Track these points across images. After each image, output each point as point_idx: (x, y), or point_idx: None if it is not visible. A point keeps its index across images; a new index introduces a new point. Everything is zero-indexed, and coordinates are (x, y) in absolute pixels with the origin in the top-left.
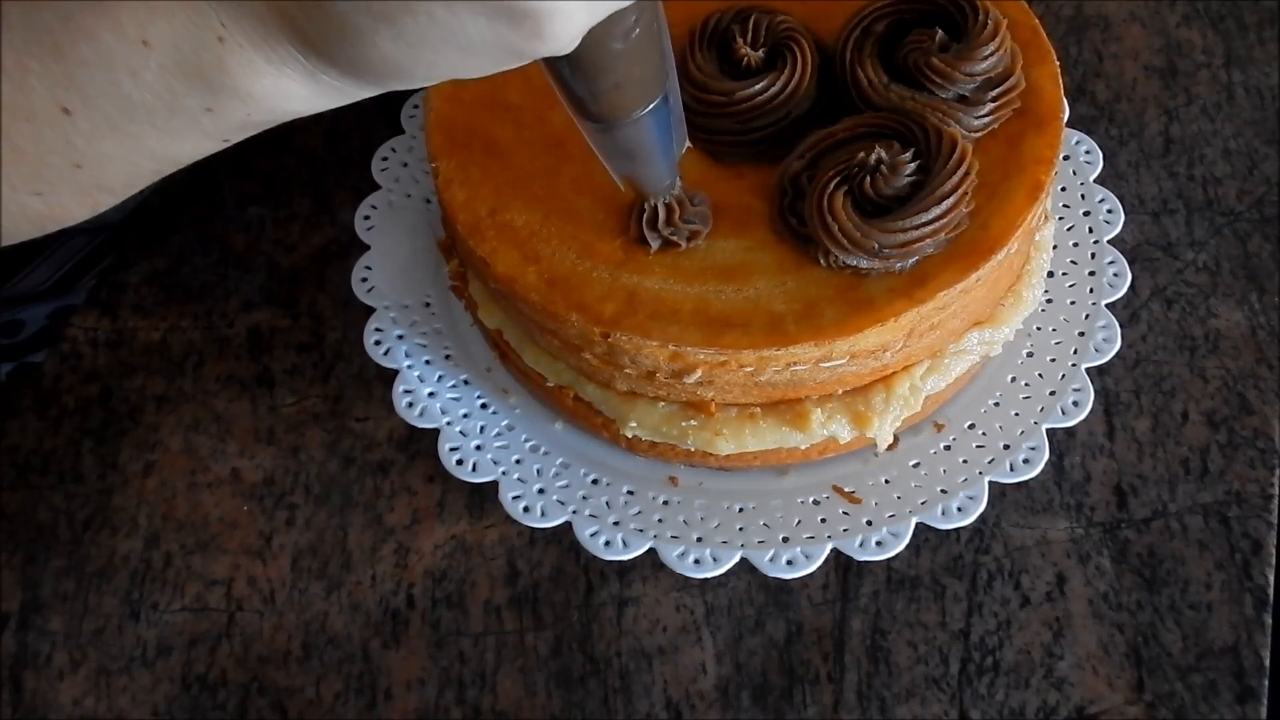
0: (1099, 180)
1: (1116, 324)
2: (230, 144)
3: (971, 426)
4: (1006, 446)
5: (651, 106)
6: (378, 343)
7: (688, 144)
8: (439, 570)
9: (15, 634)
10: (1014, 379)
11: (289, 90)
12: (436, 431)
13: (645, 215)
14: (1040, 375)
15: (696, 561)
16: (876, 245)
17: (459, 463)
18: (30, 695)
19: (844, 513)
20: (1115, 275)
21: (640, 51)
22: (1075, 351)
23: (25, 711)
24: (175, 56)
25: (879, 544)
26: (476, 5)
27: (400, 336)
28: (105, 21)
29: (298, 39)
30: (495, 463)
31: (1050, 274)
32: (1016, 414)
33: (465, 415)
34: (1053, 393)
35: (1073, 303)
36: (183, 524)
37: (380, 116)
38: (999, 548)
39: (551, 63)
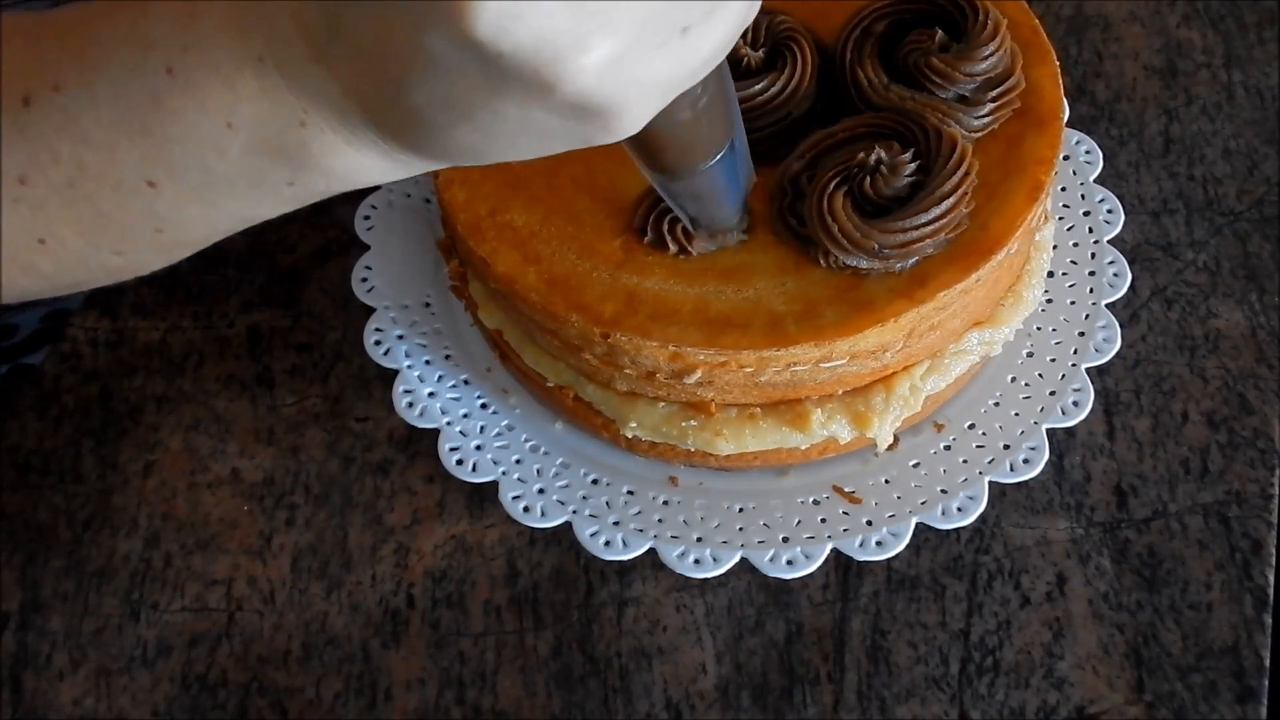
0: (1099, 180)
1: (1116, 324)
2: (305, 205)
3: (971, 426)
4: (1006, 446)
5: (719, 157)
6: (378, 343)
7: (754, 179)
8: (439, 570)
9: (15, 634)
10: (1014, 379)
11: (368, 165)
12: (436, 431)
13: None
14: (1040, 375)
15: (696, 561)
16: (876, 245)
17: (459, 463)
18: (30, 695)
19: (844, 513)
20: (1115, 275)
21: (708, 114)
22: (1075, 351)
23: (25, 711)
24: (259, 136)
25: (879, 544)
26: (550, 106)
27: (400, 336)
28: (192, 104)
29: (377, 128)
30: (495, 463)
31: (1050, 274)
32: (1016, 414)
33: (465, 415)
34: (1053, 393)
35: (1073, 303)
36: (183, 524)
37: None
38: (999, 548)
39: None
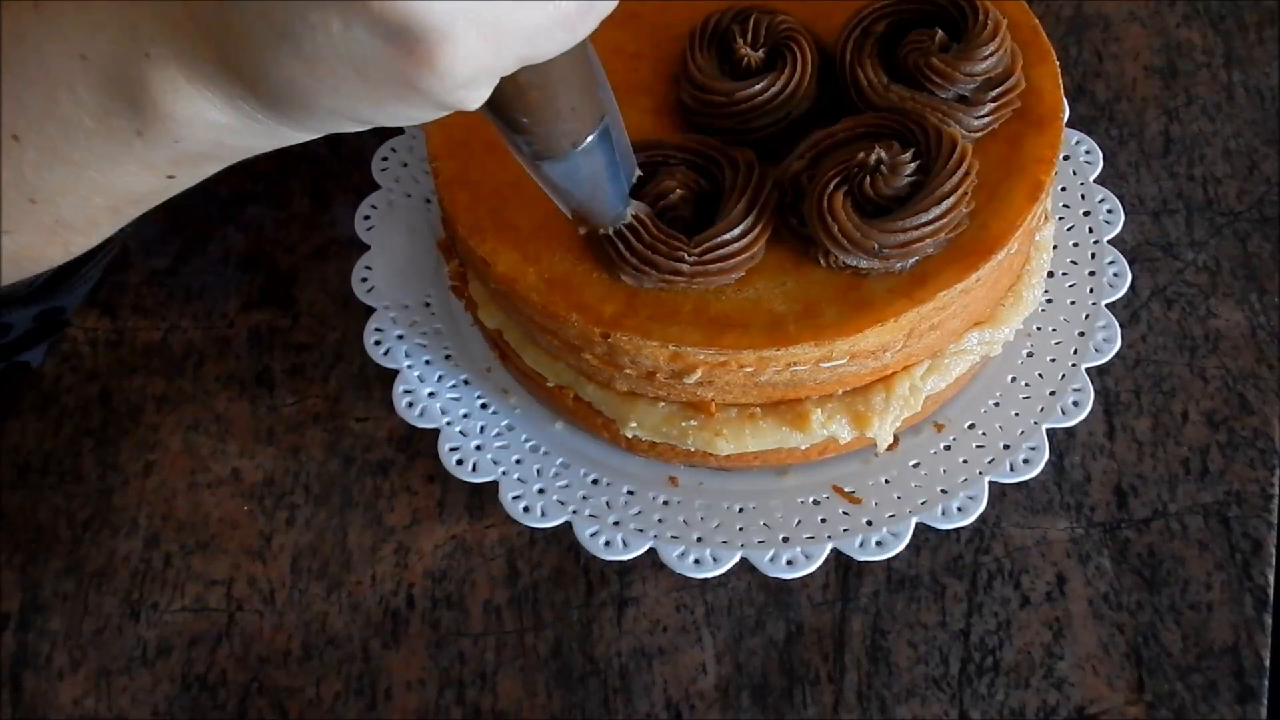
0: (1099, 180)
1: (1116, 324)
2: (177, 182)
3: (971, 426)
4: (1006, 446)
5: (587, 143)
6: (378, 343)
7: (638, 173)
8: (439, 570)
9: (15, 634)
10: (1014, 379)
11: (212, 117)
12: (436, 431)
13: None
14: (1040, 375)
15: (696, 561)
16: (876, 245)
17: (459, 463)
18: (30, 695)
19: (844, 513)
20: (1115, 275)
21: (566, 92)
22: (1075, 351)
23: (25, 711)
24: (108, 72)
25: (879, 544)
26: (369, 22)
27: (400, 336)
28: (53, 37)
29: (212, 57)
30: (495, 463)
31: (1050, 274)
32: (1016, 414)
33: (465, 415)
34: (1053, 393)
35: (1073, 303)
36: (183, 524)
37: None
38: (999, 548)
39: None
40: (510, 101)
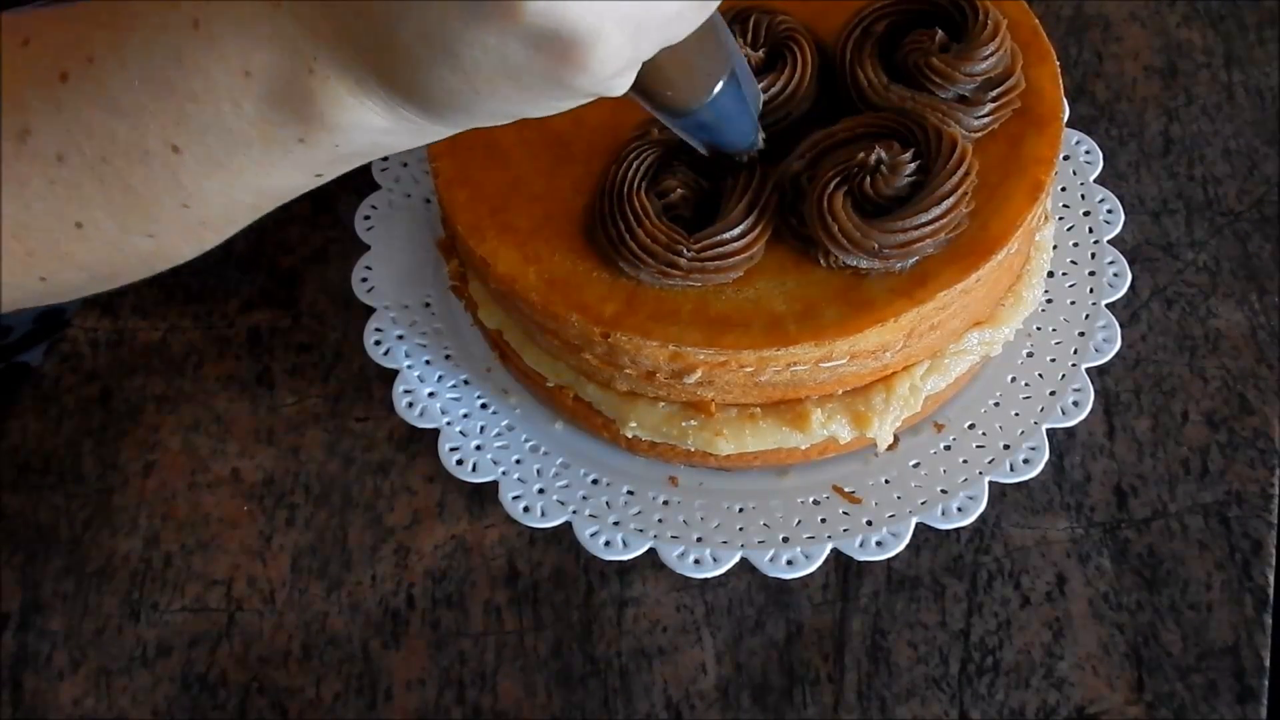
0: (1099, 180)
1: (1116, 324)
2: (323, 179)
3: (971, 426)
4: (1006, 446)
5: (720, 89)
6: (378, 343)
7: (762, 96)
8: (439, 570)
9: (15, 634)
10: (1014, 379)
11: (372, 123)
12: (436, 431)
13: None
14: (1040, 375)
15: (696, 561)
16: (876, 245)
17: (459, 463)
18: (30, 695)
19: (844, 513)
20: (1115, 275)
21: (697, 53)
22: (1075, 351)
23: (25, 711)
24: (272, 87)
25: (879, 544)
26: (522, 34)
27: (400, 336)
28: (213, 55)
29: (373, 72)
30: (495, 463)
31: (1050, 274)
32: (1016, 414)
33: (465, 415)
34: (1053, 393)
35: (1073, 303)
36: (183, 524)
37: None
38: (999, 548)
39: None
40: (649, 77)
